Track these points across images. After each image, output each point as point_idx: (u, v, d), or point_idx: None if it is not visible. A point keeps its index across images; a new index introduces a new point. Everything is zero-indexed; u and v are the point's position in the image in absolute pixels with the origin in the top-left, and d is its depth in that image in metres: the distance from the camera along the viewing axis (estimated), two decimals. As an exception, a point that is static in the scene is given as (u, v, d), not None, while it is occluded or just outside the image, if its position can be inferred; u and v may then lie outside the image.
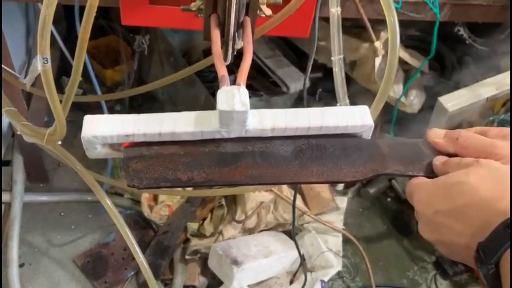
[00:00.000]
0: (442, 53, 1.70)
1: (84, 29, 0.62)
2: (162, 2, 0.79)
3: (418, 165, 0.49)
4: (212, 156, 0.47)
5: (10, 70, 1.17)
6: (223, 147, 0.48)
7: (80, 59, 0.64)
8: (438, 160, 0.48)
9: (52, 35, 0.64)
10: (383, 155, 0.50)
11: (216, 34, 0.54)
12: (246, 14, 0.56)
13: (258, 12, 0.57)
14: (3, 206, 1.38)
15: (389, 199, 1.67)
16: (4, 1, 1.19)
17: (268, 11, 0.57)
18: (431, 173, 0.49)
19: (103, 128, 0.46)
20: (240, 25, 0.57)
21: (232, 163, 0.47)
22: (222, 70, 0.49)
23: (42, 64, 0.54)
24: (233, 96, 0.45)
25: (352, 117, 0.49)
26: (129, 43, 1.68)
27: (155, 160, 0.47)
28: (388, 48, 0.54)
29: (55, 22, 0.70)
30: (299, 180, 0.48)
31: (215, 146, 0.48)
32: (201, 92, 1.51)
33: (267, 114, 0.48)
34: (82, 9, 0.98)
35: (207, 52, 1.60)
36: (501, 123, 1.32)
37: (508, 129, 0.50)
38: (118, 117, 0.47)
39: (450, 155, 0.49)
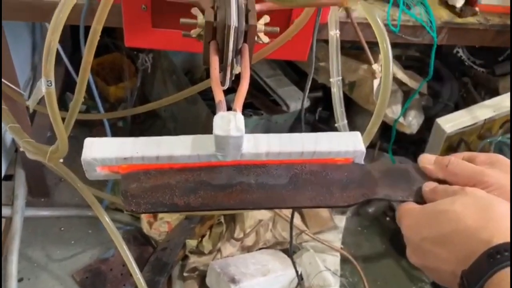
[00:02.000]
0: (441, 74, 1.72)
1: (88, 52, 0.64)
2: (164, 25, 0.82)
3: (408, 191, 0.51)
4: (208, 181, 0.49)
5: (15, 88, 1.19)
6: (219, 172, 0.50)
7: (83, 80, 0.66)
8: (427, 187, 0.49)
9: (57, 52, 0.67)
10: (374, 180, 0.51)
11: (215, 60, 0.56)
12: (244, 41, 0.58)
13: (256, 39, 0.59)
14: (3, 220, 1.39)
15: (388, 219, 1.68)
16: (11, 20, 1.22)
17: (266, 39, 0.59)
18: (420, 198, 0.50)
19: (102, 151, 0.48)
20: (238, 52, 0.59)
21: (227, 188, 0.49)
22: (219, 96, 0.51)
23: (46, 87, 0.56)
24: (229, 121, 0.46)
25: (345, 143, 0.51)
26: (133, 61, 1.71)
27: (152, 185, 0.48)
28: (382, 76, 0.56)
29: (61, 41, 0.72)
30: (293, 205, 0.50)
31: (211, 171, 0.49)
32: (203, 110, 1.53)
33: (261, 139, 0.50)
34: (87, 28, 1.01)
35: (209, 71, 1.63)
36: (498, 145, 1.33)
37: (496, 155, 0.51)
38: (117, 140, 0.49)
39: (440, 180, 0.51)
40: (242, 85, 0.53)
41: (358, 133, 0.52)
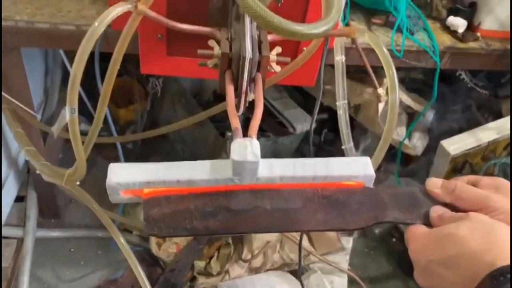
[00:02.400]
0: (445, 96, 1.75)
1: (108, 81, 0.67)
2: (178, 53, 0.85)
3: (416, 213, 0.53)
4: (226, 205, 0.51)
5: (30, 110, 1.23)
6: (236, 196, 0.52)
7: (102, 107, 0.69)
8: (435, 213, 0.51)
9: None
10: (383, 204, 0.54)
11: (230, 88, 0.59)
12: (257, 70, 0.61)
13: (268, 68, 0.62)
14: (15, 241, 1.41)
15: (394, 240, 1.68)
16: (29, 47, 1.26)
17: (278, 68, 0.62)
18: (428, 221, 0.52)
19: (126, 176, 0.50)
20: (252, 80, 0.62)
21: (244, 212, 0.51)
22: (235, 123, 0.54)
23: (70, 114, 0.59)
24: (245, 147, 0.49)
25: (355, 168, 0.53)
26: (143, 85, 1.75)
27: (173, 210, 0.51)
28: (389, 103, 0.58)
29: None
30: (307, 228, 0.53)
31: (228, 195, 0.52)
32: (211, 132, 1.57)
33: (276, 164, 0.52)
34: (101, 55, 1.05)
35: (217, 93, 1.67)
36: (503, 167, 1.35)
37: (500, 180, 0.53)
38: (140, 165, 0.52)
39: (447, 204, 0.53)
40: (257, 113, 0.56)
41: (367, 158, 0.54)
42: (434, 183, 0.55)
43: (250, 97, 0.64)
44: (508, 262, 0.40)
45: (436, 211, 0.52)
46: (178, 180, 0.51)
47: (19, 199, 1.52)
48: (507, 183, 0.53)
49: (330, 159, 0.54)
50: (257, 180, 0.52)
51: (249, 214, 0.50)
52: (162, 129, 1.07)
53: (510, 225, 0.46)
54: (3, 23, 1.05)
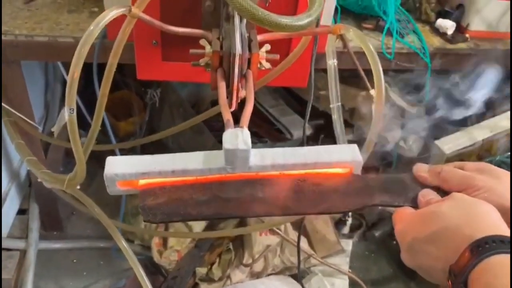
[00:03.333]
0: (438, 98, 1.78)
1: (105, 84, 0.70)
2: (173, 58, 0.88)
3: (404, 197, 0.55)
4: (219, 193, 0.53)
5: (32, 122, 1.25)
6: (228, 185, 0.54)
7: (100, 109, 0.72)
8: (424, 197, 0.53)
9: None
10: (372, 189, 0.56)
11: (222, 85, 0.61)
12: (248, 67, 0.64)
13: (258, 65, 0.65)
14: (18, 253, 1.43)
15: (394, 242, 1.69)
16: (29, 60, 1.30)
17: (267, 65, 0.64)
18: (416, 204, 0.54)
19: (123, 167, 0.53)
20: (243, 77, 0.64)
21: (237, 199, 0.53)
22: (227, 115, 0.56)
23: (69, 114, 0.61)
24: (236, 136, 0.52)
25: (343, 154, 0.55)
26: (141, 97, 1.78)
27: (168, 199, 0.53)
28: (375, 89, 0.61)
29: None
30: (298, 211, 0.54)
31: (221, 184, 0.54)
32: (209, 140, 1.59)
33: (267, 152, 0.55)
34: (99, 66, 1.08)
35: (215, 103, 1.70)
36: (498, 164, 1.37)
37: (484, 164, 0.56)
38: (136, 157, 0.54)
39: (434, 187, 0.55)
40: (248, 105, 0.58)
41: (355, 145, 0.57)
42: (422, 168, 0.57)
43: (242, 93, 0.67)
44: (486, 234, 0.42)
45: (425, 195, 0.54)
46: (173, 170, 0.53)
47: (21, 212, 1.53)
48: (491, 166, 0.55)
49: (319, 147, 0.56)
50: (249, 169, 0.54)
51: (241, 200, 0.52)
52: (159, 134, 1.10)
53: (511, 216, 0.48)
54: (3, 37, 1.08)
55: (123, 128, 1.82)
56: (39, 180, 1.01)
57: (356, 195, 0.55)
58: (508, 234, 0.42)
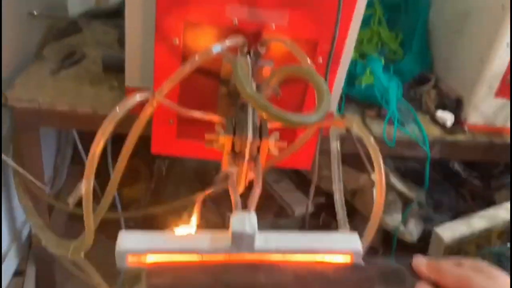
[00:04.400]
0: (439, 185, 1.81)
1: (121, 161, 0.74)
2: (187, 136, 0.94)
3: None
4: (223, 278, 0.56)
5: (41, 185, 1.29)
6: (233, 269, 0.57)
7: (114, 185, 0.75)
8: None
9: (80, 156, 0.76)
10: (371, 279, 0.58)
11: (233, 169, 0.66)
12: (257, 152, 0.68)
13: (267, 151, 0.70)
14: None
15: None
16: (46, 127, 1.36)
17: (276, 151, 0.69)
18: (413, 296, 0.56)
19: (134, 243, 0.55)
20: (252, 161, 0.69)
21: (242, 283, 0.55)
22: (236, 198, 0.60)
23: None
24: (244, 220, 0.55)
25: (344, 243, 0.58)
26: (148, 165, 1.83)
27: (173, 277, 0.55)
28: (376, 182, 0.65)
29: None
30: None
31: (226, 267, 0.56)
32: (211, 213, 1.61)
33: (272, 237, 0.57)
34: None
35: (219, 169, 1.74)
36: (497, 256, 1.37)
37: (481, 263, 0.58)
38: (147, 234, 0.57)
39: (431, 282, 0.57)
40: (255, 189, 0.62)
41: (356, 234, 0.59)
42: (420, 261, 0.60)
43: (250, 176, 0.71)
44: None
45: None
46: (181, 248, 0.55)
47: (18, 273, 1.52)
48: (488, 266, 0.58)
49: (322, 233, 0.59)
50: (254, 252, 0.57)
51: (243, 286, 0.55)
52: (165, 206, 1.13)
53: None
54: (27, 105, 1.15)
55: (127, 194, 1.85)
56: (43, 244, 1.03)
57: (355, 286, 0.57)
58: None
